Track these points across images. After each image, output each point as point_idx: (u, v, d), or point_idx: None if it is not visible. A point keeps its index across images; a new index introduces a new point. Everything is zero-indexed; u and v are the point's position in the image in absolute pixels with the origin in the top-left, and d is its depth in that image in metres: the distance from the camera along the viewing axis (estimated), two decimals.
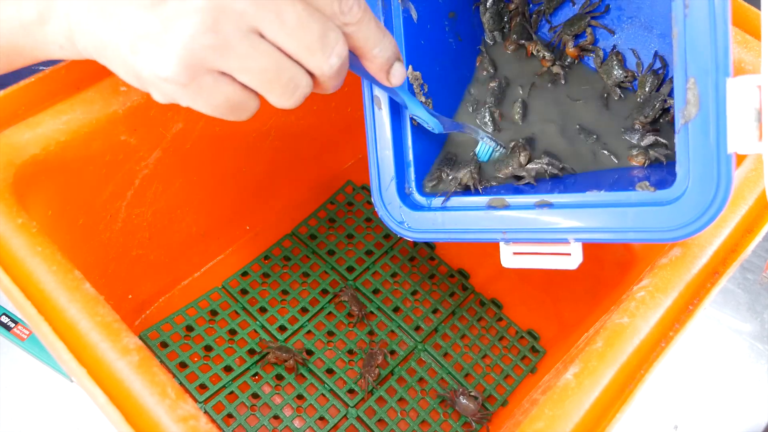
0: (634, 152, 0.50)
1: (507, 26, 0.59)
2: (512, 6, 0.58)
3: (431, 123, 0.49)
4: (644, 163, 0.50)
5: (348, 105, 0.68)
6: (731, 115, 0.37)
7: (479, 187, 0.51)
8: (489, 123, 0.55)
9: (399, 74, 0.43)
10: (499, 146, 0.53)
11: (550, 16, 0.58)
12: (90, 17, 0.36)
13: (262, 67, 0.36)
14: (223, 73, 0.36)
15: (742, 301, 0.73)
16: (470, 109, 0.56)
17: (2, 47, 0.40)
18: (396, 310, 0.66)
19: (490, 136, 0.53)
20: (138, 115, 0.50)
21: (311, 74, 0.38)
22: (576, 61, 0.57)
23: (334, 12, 0.37)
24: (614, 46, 0.55)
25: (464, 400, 0.60)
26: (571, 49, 0.56)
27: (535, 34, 0.58)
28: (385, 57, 0.41)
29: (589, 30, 0.56)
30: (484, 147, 0.53)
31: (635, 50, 0.54)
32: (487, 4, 0.58)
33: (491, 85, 0.57)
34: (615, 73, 0.54)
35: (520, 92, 0.56)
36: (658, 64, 0.54)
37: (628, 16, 0.55)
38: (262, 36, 0.35)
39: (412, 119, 0.52)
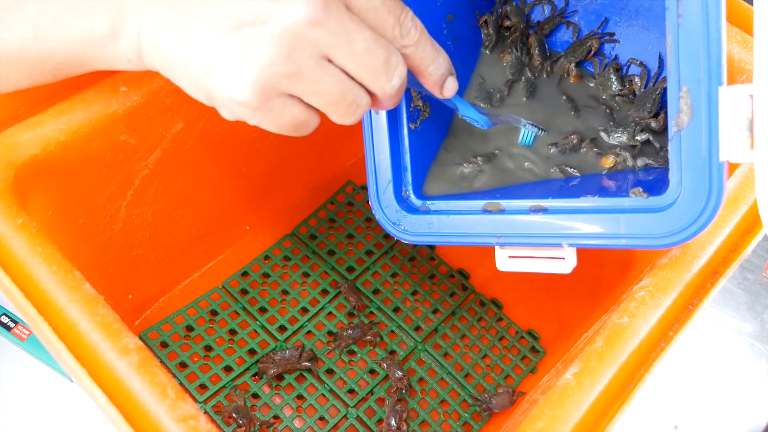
0: (609, 152, 0.51)
1: (504, 41, 0.60)
2: (510, 23, 0.59)
3: (481, 121, 0.51)
4: (613, 165, 0.50)
5: None
6: (723, 124, 0.38)
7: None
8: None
9: (452, 87, 0.46)
10: (540, 130, 0.54)
11: (546, 38, 0.59)
12: (163, 36, 0.38)
13: (329, 90, 0.38)
14: (292, 96, 0.38)
15: (742, 301, 0.73)
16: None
17: (69, 58, 0.41)
18: (396, 310, 0.66)
19: (531, 122, 0.53)
20: (138, 115, 0.50)
21: (371, 93, 0.40)
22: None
23: (395, 36, 0.40)
24: (616, 56, 0.56)
25: (496, 400, 0.59)
26: (573, 75, 0.57)
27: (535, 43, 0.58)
28: (439, 74, 0.44)
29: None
30: (527, 132, 0.54)
31: (636, 60, 0.55)
32: (489, 21, 0.59)
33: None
34: (612, 86, 0.55)
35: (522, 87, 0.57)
36: (655, 69, 0.54)
37: (626, 17, 0.56)
38: (330, 61, 0.37)
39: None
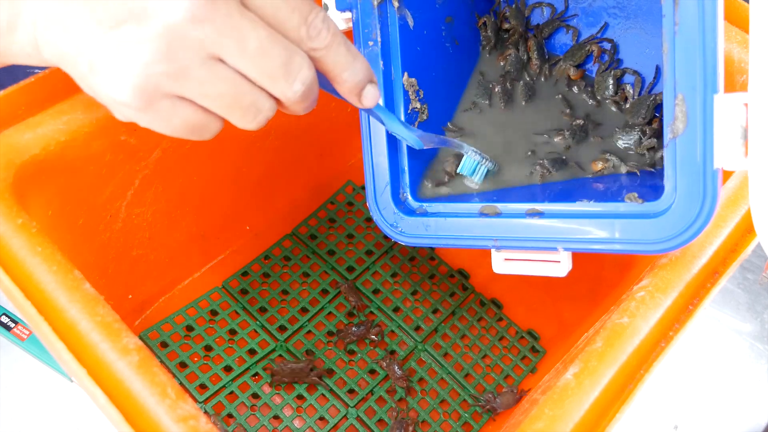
0: (600, 156, 0.51)
1: (503, 43, 0.60)
2: (509, 26, 0.59)
3: (410, 140, 0.48)
4: (601, 170, 0.50)
5: (348, 105, 0.68)
6: (718, 132, 0.38)
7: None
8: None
9: (371, 96, 0.42)
10: (484, 159, 0.52)
11: (545, 41, 0.59)
12: (52, 30, 0.36)
13: (221, 92, 0.35)
14: (182, 98, 0.36)
15: (742, 301, 0.73)
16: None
17: None
18: (396, 310, 0.66)
19: (475, 150, 0.52)
20: None
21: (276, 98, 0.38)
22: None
23: (300, 37, 0.36)
24: (620, 60, 0.56)
25: (500, 400, 0.60)
26: (573, 75, 0.57)
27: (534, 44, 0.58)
28: (355, 81, 0.40)
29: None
30: (470, 161, 0.52)
31: (630, 68, 0.55)
32: (488, 23, 0.59)
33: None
34: (608, 89, 0.55)
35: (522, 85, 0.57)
36: (651, 76, 0.54)
37: (625, 19, 0.56)
38: (222, 61, 0.35)
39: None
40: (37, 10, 0.36)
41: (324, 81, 0.40)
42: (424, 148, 0.49)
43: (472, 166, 0.52)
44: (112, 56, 0.34)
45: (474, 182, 0.52)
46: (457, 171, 0.52)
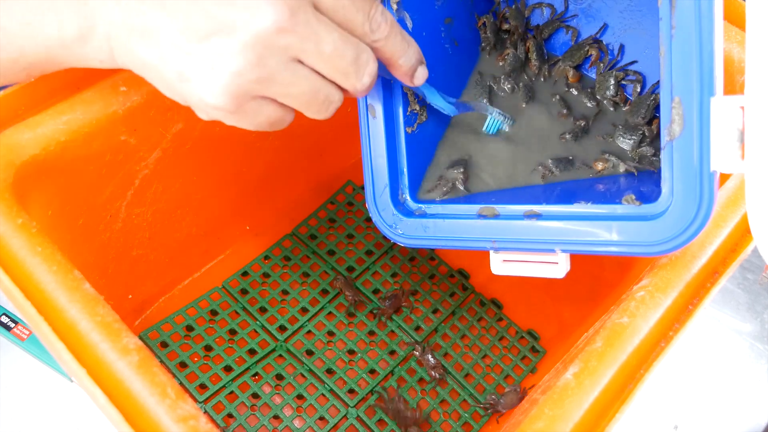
0: (601, 157, 0.51)
1: (502, 44, 0.60)
2: (509, 26, 0.59)
3: (447, 109, 0.52)
4: (602, 170, 0.50)
5: (348, 105, 0.67)
6: (715, 135, 0.38)
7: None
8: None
9: (422, 76, 0.46)
10: (507, 119, 0.54)
11: (545, 41, 0.59)
12: (133, 41, 0.38)
13: (302, 91, 0.39)
14: (267, 97, 0.39)
15: (742, 301, 0.73)
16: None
17: (40, 59, 0.42)
18: (397, 310, 0.66)
19: (499, 111, 0.54)
20: (138, 115, 0.50)
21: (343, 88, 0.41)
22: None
23: (365, 32, 0.40)
24: (624, 65, 0.56)
25: (504, 400, 0.60)
26: (571, 78, 0.57)
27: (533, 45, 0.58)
28: (410, 65, 0.44)
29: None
30: (492, 121, 0.54)
31: (631, 70, 0.55)
32: (487, 23, 0.59)
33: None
34: (609, 89, 0.55)
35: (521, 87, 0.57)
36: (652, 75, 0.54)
37: (624, 20, 0.56)
38: (301, 62, 0.38)
39: (418, 112, 0.53)
40: (113, 20, 0.38)
41: (380, 67, 0.43)
42: (457, 113, 0.53)
43: (496, 125, 0.55)
44: (204, 66, 0.37)
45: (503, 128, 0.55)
46: (483, 129, 0.55)
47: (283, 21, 0.36)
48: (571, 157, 0.52)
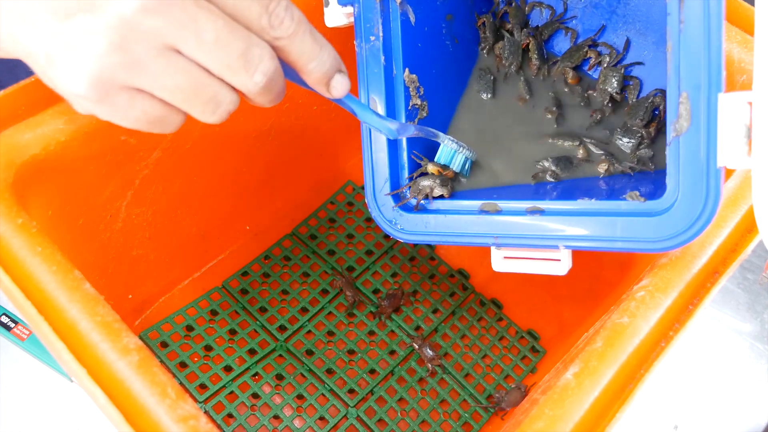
0: (604, 158, 0.51)
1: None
2: (509, 26, 0.59)
3: (384, 130, 0.46)
4: (607, 170, 0.50)
5: None
6: (722, 131, 0.38)
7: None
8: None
9: (340, 86, 0.41)
10: (461, 148, 0.51)
11: (545, 42, 0.59)
12: (13, 23, 0.35)
13: (178, 85, 0.35)
14: (141, 90, 0.35)
15: (742, 301, 0.73)
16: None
17: None
18: (396, 310, 0.66)
19: (452, 138, 0.51)
20: None
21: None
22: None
23: (262, 27, 0.35)
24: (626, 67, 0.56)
25: (508, 398, 0.60)
26: (571, 80, 0.57)
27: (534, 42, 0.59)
28: (322, 71, 0.39)
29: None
30: (446, 150, 0.51)
31: (633, 75, 0.55)
32: (487, 23, 0.59)
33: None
34: (612, 84, 0.55)
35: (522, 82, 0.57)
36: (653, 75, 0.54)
37: (623, 22, 0.56)
38: (180, 53, 0.34)
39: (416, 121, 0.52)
40: None
41: (291, 72, 0.39)
42: (399, 138, 0.48)
43: (449, 154, 0.51)
44: (67, 47, 0.33)
45: (459, 174, 0.51)
46: (434, 160, 0.52)
47: (150, 1, 0.32)
48: (570, 156, 0.52)
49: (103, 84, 0.34)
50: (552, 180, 0.51)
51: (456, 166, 0.51)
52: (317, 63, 0.38)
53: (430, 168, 0.51)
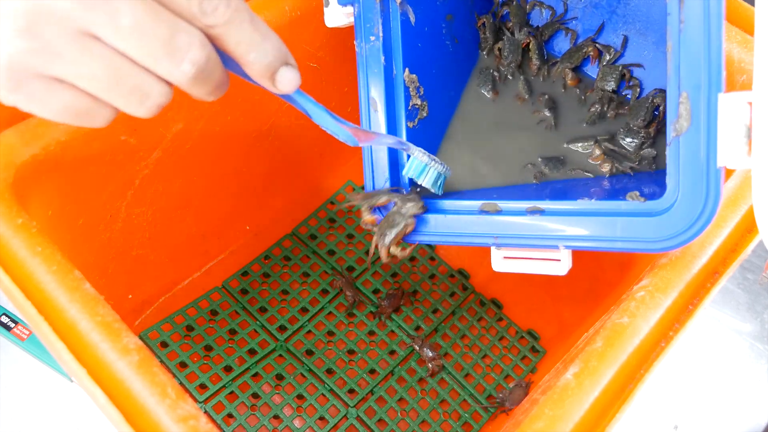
0: (606, 158, 0.51)
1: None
2: (509, 24, 0.59)
3: (341, 135, 0.42)
4: (610, 170, 0.50)
5: (348, 105, 0.68)
6: (722, 131, 0.38)
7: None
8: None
9: (287, 81, 0.36)
10: (433, 162, 0.48)
11: (545, 43, 0.59)
12: None
13: (96, 73, 0.32)
14: (59, 79, 0.32)
15: (742, 301, 0.73)
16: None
17: None
18: (396, 310, 0.66)
19: (424, 151, 0.48)
20: None
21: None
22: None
23: (193, 13, 0.32)
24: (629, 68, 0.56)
25: (511, 396, 0.60)
26: (570, 78, 0.57)
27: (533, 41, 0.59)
28: (264, 63, 0.35)
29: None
30: (417, 163, 0.48)
31: (633, 76, 0.55)
32: (486, 23, 0.59)
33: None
34: (611, 82, 0.55)
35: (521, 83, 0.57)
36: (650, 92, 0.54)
37: (623, 22, 0.56)
38: (98, 39, 0.32)
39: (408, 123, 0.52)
40: None
41: (234, 63, 0.36)
42: (360, 145, 0.43)
43: (419, 168, 0.48)
44: None
45: (430, 189, 0.49)
46: (402, 173, 0.49)
47: None
48: (562, 157, 0.52)
49: (14, 71, 0.31)
50: (537, 181, 0.51)
51: (427, 182, 0.48)
52: (258, 54, 0.35)
53: (365, 217, 0.49)
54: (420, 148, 0.47)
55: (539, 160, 0.52)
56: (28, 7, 0.30)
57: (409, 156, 0.48)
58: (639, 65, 0.55)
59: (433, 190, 0.49)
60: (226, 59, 0.35)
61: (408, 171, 0.49)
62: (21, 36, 0.30)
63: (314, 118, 0.41)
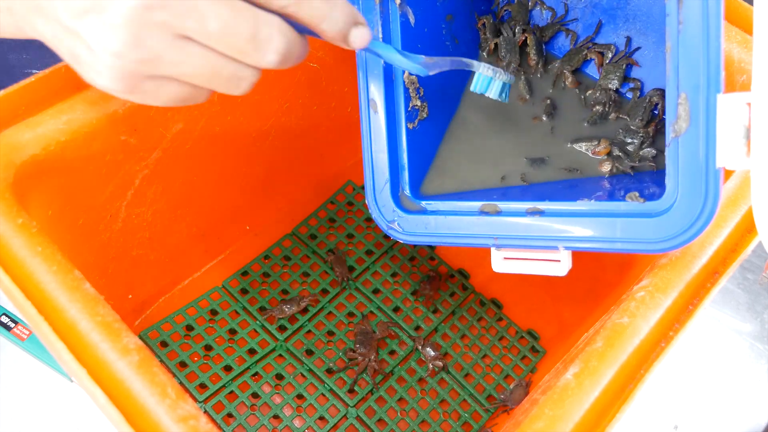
0: (607, 158, 0.51)
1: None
2: (512, 23, 0.59)
3: (414, 69, 0.45)
4: (611, 170, 0.51)
5: (348, 105, 0.68)
6: (721, 131, 0.38)
7: None
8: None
9: (359, 38, 0.40)
10: (498, 73, 0.49)
11: (546, 44, 0.59)
12: (30, 16, 0.36)
13: (196, 69, 0.36)
14: (165, 77, 0.36)
15: (742, 301, 0.73)
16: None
17: None
18: (396, 310, 0.66)
19: (488, 65, 0.49)
20: (138, 115, 0.50)
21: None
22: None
23: None
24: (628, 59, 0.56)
25: (513, 396, 0.60)
26: (570, 81, 0.57)
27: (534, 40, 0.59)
28: (336, 29, 0.38)
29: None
30: (482, 78, 0.50)
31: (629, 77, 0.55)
32: (487, 24, 0.59)
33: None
34: (614, 80, 0.55)
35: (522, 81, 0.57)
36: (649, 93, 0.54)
37: (623, 21, 0.56)
38: (193, 40, 0.35)
39: (408, 120, 0.52)
40: None
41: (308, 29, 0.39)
42: (430, 74, 0.46)
43: (485, 82, 0.50)
44: (86, 46, 0.35)
45: (498, 99, 0.50)
46: (471, 89, 0.51)
47: None
48: (546, 158, 0.52)
49: (127, 78, 0.35)
50: (522, 182, 0.51)
51: (494, 93, 0.50)
52: (329, 22, 0.38)
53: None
54: (483, 63, 0.49)
55: (539, 160, 0.52)
56: (129, 22, 0.33)
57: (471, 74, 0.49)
58: (638, 51, 0.55)
59: (500, 100, 0.51)
60: (300, 26, 0.38)
61: (476, 87, 0.50)
62: (130, 48, 0.34)
63: (386, 59, 0.45)
